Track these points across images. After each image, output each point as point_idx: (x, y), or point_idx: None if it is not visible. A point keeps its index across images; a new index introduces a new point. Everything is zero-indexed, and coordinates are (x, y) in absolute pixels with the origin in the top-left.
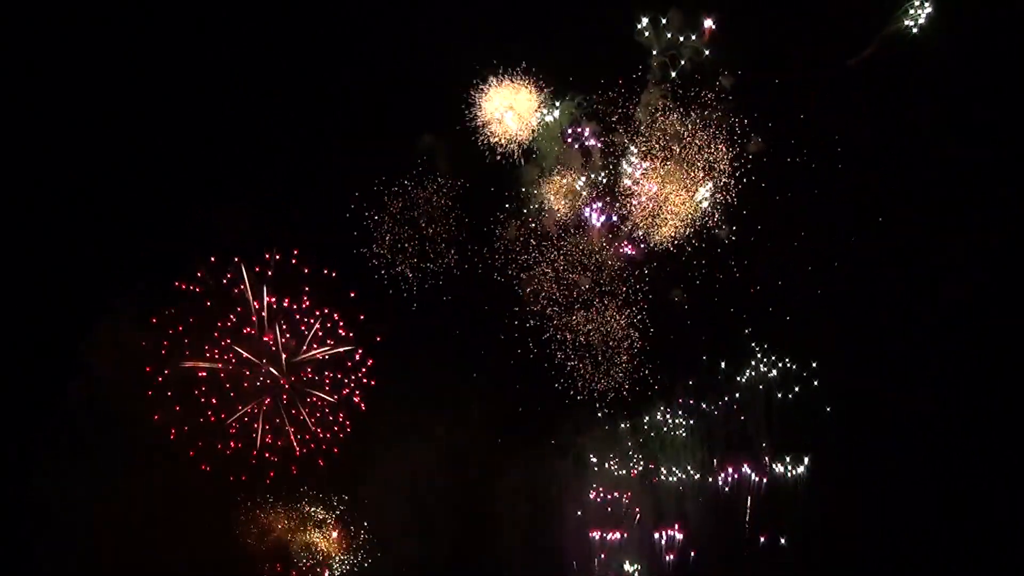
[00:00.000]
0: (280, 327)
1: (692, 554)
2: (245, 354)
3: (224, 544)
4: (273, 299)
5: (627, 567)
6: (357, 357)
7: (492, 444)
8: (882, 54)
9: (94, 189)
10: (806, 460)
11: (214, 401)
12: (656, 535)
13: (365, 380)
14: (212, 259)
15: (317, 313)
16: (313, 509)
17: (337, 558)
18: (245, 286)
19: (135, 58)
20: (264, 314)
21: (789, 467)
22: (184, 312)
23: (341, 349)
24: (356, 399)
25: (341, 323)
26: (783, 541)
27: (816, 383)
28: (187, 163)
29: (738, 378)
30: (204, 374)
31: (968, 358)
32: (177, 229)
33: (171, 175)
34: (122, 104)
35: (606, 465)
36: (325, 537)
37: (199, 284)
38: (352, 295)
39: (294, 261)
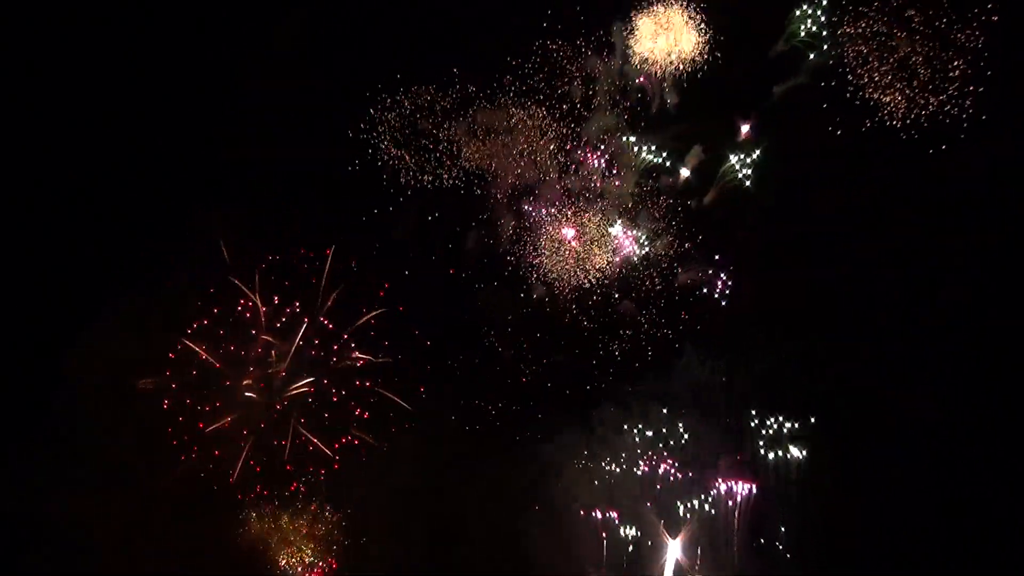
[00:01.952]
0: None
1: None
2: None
3: (208, 548)
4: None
5: None
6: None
7: (464, 449)
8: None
9: (84, 193)
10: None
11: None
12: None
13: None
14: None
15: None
16: (295, 512)
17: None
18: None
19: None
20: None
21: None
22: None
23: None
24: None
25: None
26: (779, 544)
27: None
28: (182, 165)
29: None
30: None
31: (969, 360)
32: (170, 232)
33: (166, 178)
34: (119, 105)
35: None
36: (305, 537)
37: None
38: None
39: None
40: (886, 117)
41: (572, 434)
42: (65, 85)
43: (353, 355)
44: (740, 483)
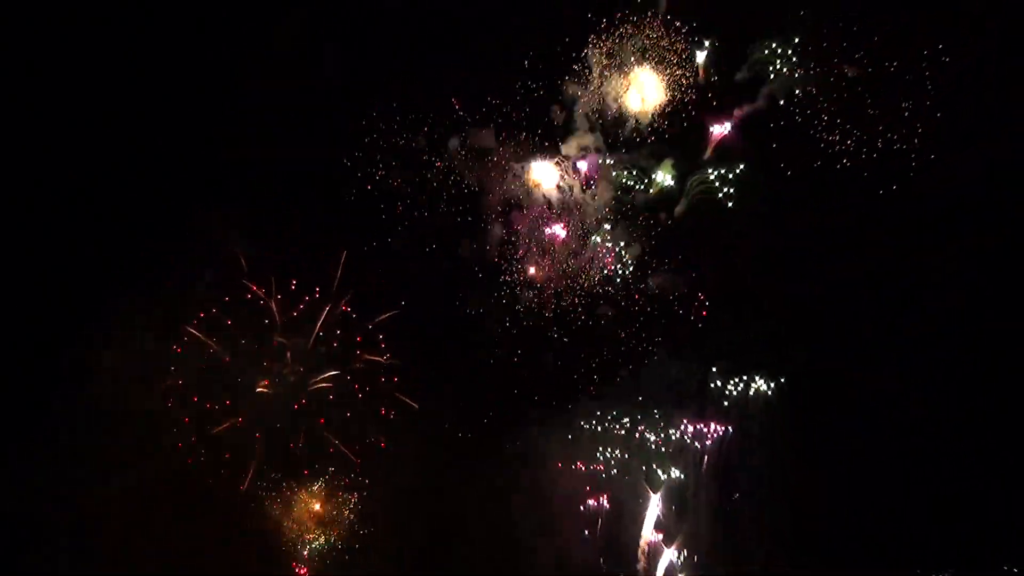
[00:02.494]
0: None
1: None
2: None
3: (209, 548)
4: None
5: None
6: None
7: (461, 448)
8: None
9: (85, 193)
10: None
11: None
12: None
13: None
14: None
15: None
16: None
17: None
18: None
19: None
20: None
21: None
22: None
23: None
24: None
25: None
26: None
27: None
28: (184, 164)
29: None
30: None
31: (959, 362)
32: (171, 232)
33: (167, 178)
34: (119, 105)
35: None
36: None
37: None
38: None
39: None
40: (836, 155)
41: (559, 428)
42: (65, 85)
43: (364, 357)
44: (712, 425)
